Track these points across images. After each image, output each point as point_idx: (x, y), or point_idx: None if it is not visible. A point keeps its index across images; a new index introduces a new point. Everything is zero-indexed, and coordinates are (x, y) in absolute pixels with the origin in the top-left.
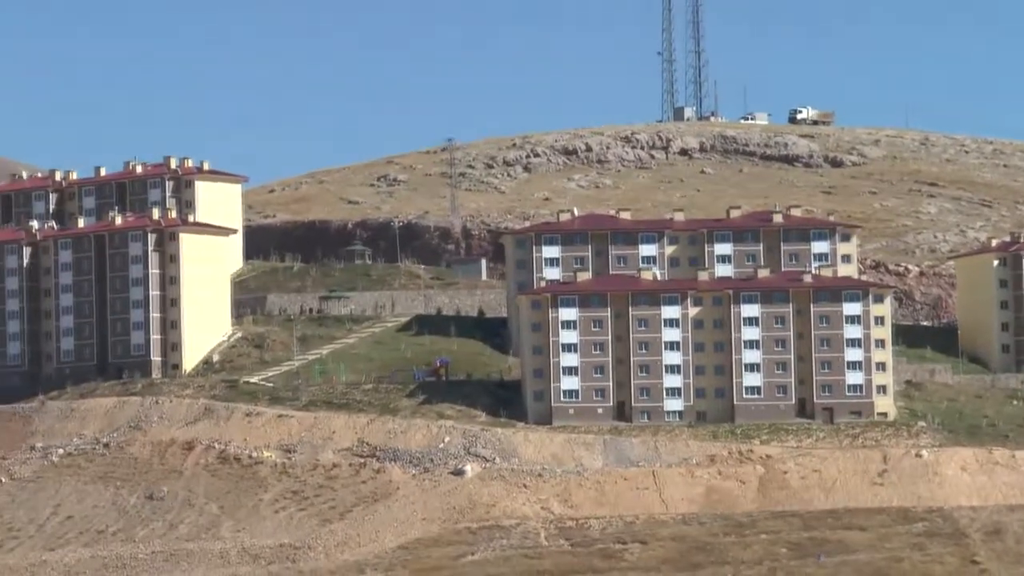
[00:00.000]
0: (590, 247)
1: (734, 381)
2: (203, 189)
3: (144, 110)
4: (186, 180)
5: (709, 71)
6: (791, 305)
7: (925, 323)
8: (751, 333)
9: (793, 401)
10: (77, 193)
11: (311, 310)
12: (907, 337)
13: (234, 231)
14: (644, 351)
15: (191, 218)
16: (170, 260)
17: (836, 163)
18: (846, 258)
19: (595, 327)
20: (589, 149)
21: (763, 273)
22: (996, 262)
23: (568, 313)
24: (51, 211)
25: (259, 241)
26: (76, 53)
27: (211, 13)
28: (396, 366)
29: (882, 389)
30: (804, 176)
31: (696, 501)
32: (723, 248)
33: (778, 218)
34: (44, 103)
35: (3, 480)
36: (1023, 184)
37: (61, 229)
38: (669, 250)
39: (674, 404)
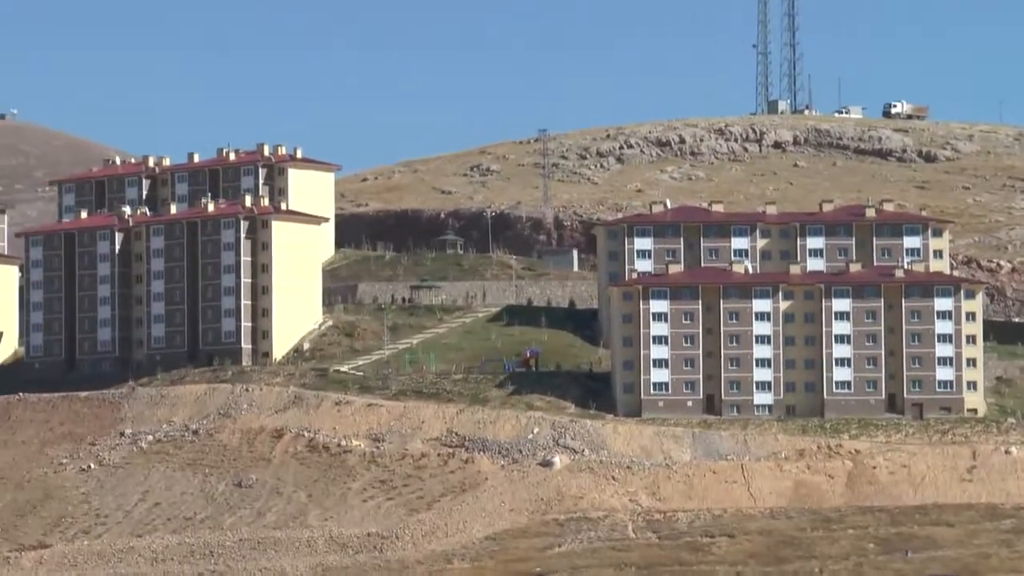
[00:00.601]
0: (682, 239)
1: (824, 375)
2: (296, 177)
3: (238, 97)
4: (279, 168)
5: (804, 64)
6: (882, 300)
7: (1016, 319)
8: (842, 328)
9: (883, 396)
10: (170, 179)
11: (402, 299)
12: (998, 333)
13: (326, 219)
14: (735, 344)
15: (283, 206)
16: (262, 248)
17: (929, 158)
18: (938, 253)
19: (686, 320)
20: (682, 141)
21: (855, 268)
22: None
23: (659, 305)
24: (144, 197)
25: (351, 230)
26: (171, 39)
27: (304, 2)
28: (486, 356)
29: (972, 385)
30: (897, 170)
31: (784, 495)
32: (815, 242)
33: (870, 212)
34: (137, 89)
35: (92, 466)
36: None
37: (153, 215)
38: (761, 243)
39: (764, 398)
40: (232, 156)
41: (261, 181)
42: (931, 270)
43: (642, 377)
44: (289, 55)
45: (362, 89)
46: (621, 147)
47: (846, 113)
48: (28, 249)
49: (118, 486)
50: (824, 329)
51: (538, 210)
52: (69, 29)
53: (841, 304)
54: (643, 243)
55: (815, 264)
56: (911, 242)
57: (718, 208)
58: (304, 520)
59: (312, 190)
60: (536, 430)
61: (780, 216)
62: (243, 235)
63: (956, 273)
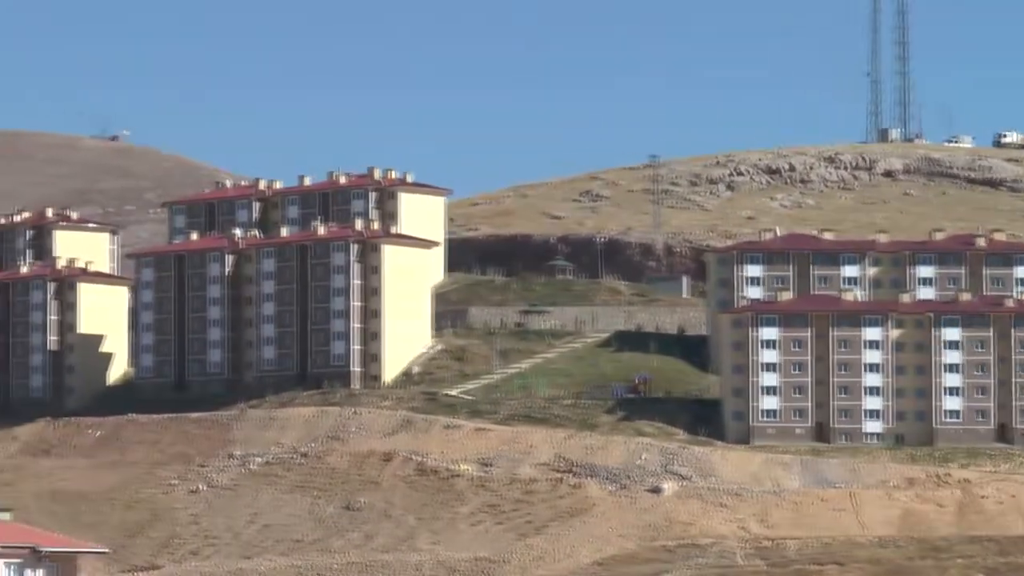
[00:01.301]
0: (792, 267)
1: (934, 404)
2: (407, 201)
3: (349, 121)
4: (390, 192)
5: (915, 93)
6: (992, 329)
7: None
8: (952, 357)
9: (993, 426)
10: (281, 202)
11: (514, 324)
12: None
13: (436, 243)
14: (845, 372)
15: (394, 230)
16: (372, 271)
17: None
18: None
19: (796, 347)
20: (792, 168)
21: (965, 296)
22: None
23: (769, 332)
24: (255, 220)
25: (461, 254)
26: (283, 65)
27: (417, 26)
28: (595, 382)
29: None
30: (1008, 200)
31: (893, 524)
32: (926, 271)
33: (981, 242)
34: (249, 112)
35: (201, 488)
36: None
37: (265, 238)
38: (871, 271)
39: (873, 426)
40: (343, 180)
41: (372, 205)
42: None
43: (751, 404)
44: (400, 81)
45: (473, 114)
46: (731, 174)
47: (956, 142)
48: (139, 270)
49: (227, 508)
50: (934, 358)
51: (648, 236)
52: (181, 52)
53: (951, 333)
54: (753, 270)
55: (925, 293)
56: (1022, 272)
57: (828, 236)
58: (413, 543)
59: (423, 214)
60: (645, 456)
61: (890, 244)
62: (354, 258)
63: None
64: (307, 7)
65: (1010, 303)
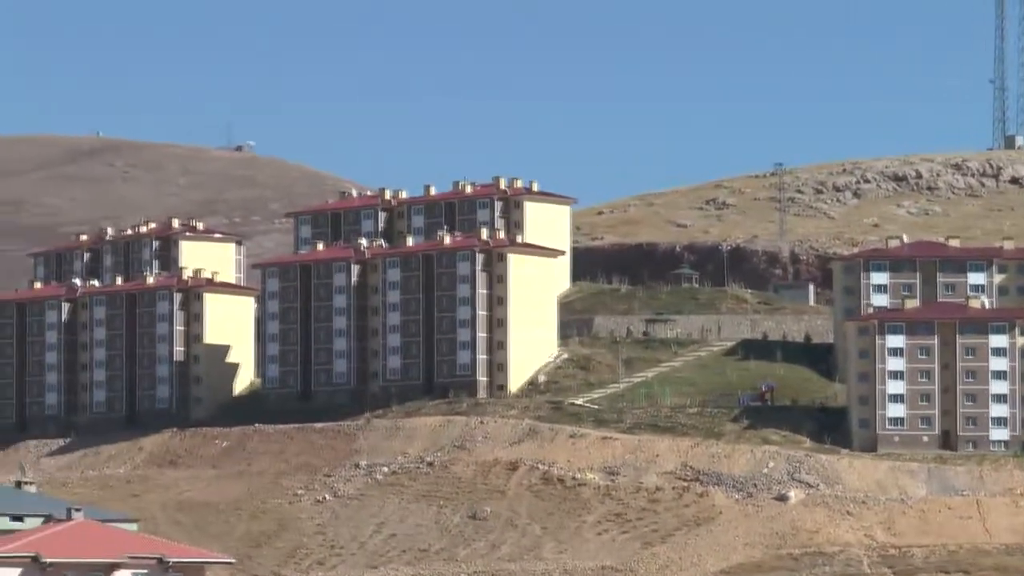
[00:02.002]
0: (918, 274)
1: None
2: (532, 210)
3: (474, 131)
4: (515, 201)
5: None
6: None
7: None
8: None
9: None
10: (406, 212)
11: (639, 332)
12: None
13: (562, 252)
14: (971, 380)
15: (519, 239)
16: (497, 280)
17: None
18: None
19: (922, 355)
20: (919, 176)
21: None
22: None
23: (895, 340)
24: (380, 229)
25: (587, 263)
26: (406, 77)
27: (543, 36)
28: (721, 390)
29: None
30: None
31: (1020, 531)
32: None
33: None
34: (374, 122)
35: (327, 497)
36: None
37: (390, 247)
38: (998, 279)
39: (1000, 433)
40: (468, 189)
41: (497, 214)
42: None
43: (877, 412)
44: (526, 90)
45: (599, 123)
46: (857, 182)
47: None
48: (264, 280)
49: (353, 517)
50: None
51: (774, 244)
52: (306, 64)
53: None
54: (879, 278)
55: None
56: None
57: (955, 243)
58: (539, 553)
59: (548, 223)
60: (771, 464)
61: (1017, 251)
62: (479, 268)
63: None
64: (432, 17)
65: None
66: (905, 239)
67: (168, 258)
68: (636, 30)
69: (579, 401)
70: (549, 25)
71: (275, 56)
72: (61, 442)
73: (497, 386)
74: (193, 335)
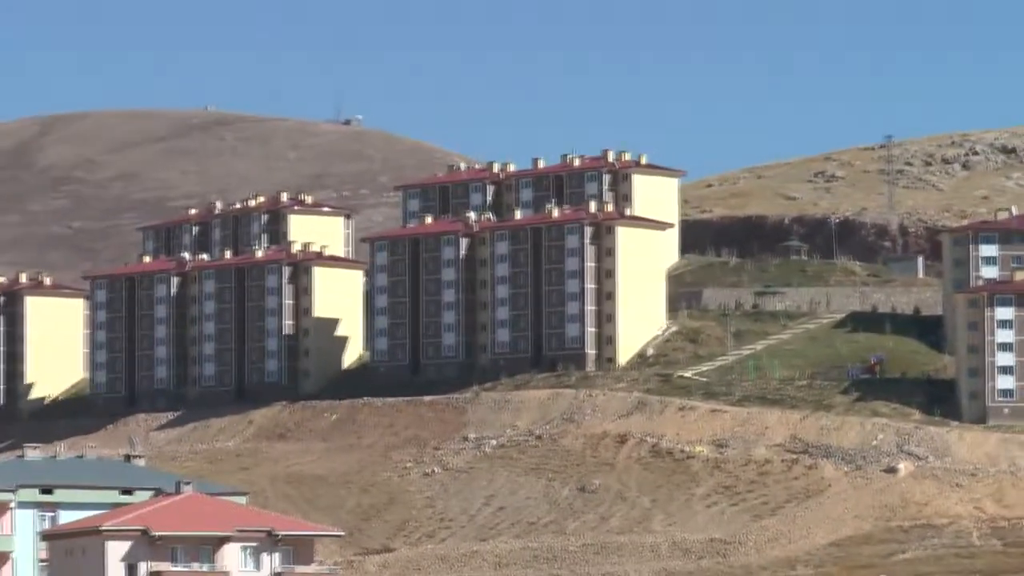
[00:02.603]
0: None
1: None
2: (640, 183)
3: (582, 103)
4: (623, 174)
5: None
6: None
7: None
8: None
9: None
10: (515, 185)
11: (748, 305)
12: None
13: (671, 225)
14: None
15: (628, 212)
16: (606, 253)
17: None
18: None
19: None
20: None
21: None
22: None
23: (1005, 312)
24: (488, 203)
25: (695, 236)
26: (515, 47)
27: (648, 9)
28: (830, 363)
29: None
30: None
31: None
32: None
33: None
34: (482, 95)
35: (436, 470)
36: None
37: (498, 221)
38: None
39: None
40: (577, 162)
41: (606, 187)
42: None
43: (987, 384)
44: (634, 63)
45: (707, 95)
46: (967, 154)
47: None
48: (373, 254)
49: (462, 490)
50: None
51: (883, 217)
52: (412, 38)
53: None
54: (988, 250)
55: None
56: None
57: None
58: (647, 525)
59: (656, 196)
60: (880, 436)
61: None
62: (588, 241)
63: None
64: None
65: None
66: (1014, 211)
67: (277, 232)
68: (742, 5)
69: (688, 374)
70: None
71: (383, 29)
72: (171, 416)
73: (606, 359)
74: (302, 309)
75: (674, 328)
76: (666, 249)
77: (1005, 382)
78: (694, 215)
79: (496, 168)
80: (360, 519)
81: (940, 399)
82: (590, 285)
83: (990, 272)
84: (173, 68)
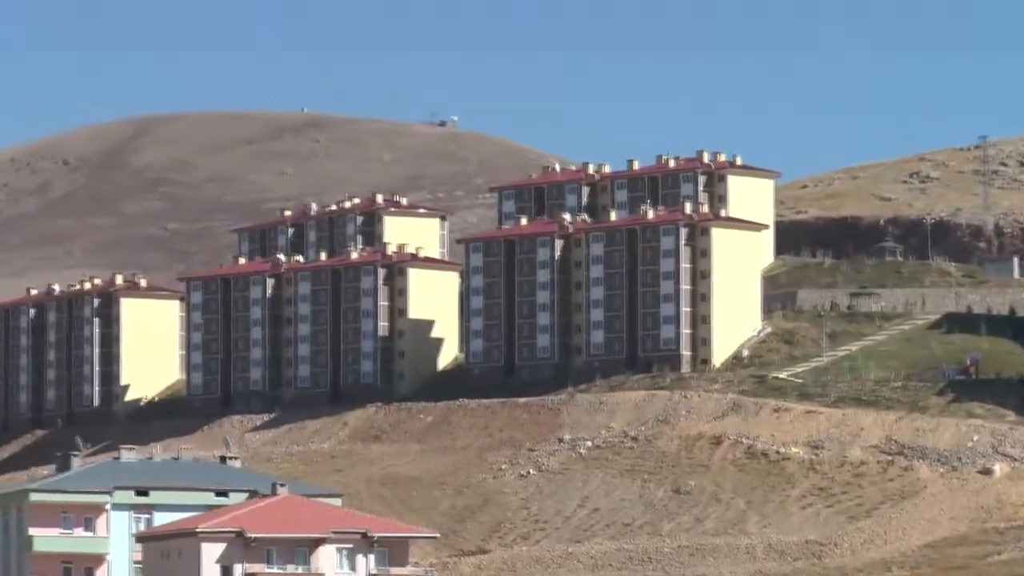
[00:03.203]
0: None
1: None
2: (735, 184)
3: (677, 104)
4: (718, 175)
5: None
6: None
7: None
8: None
9: None
10: (610, 186)
11: (843, 306)
12: None
13: (766, 226)
14: None
15: (723, 213)
16: (701, 255)
17: None
18: None
19: None
20: None
21: None
22: None
23: None
24: (583, 204)
25: (790, 237)
26: (609, 48)
27: (744, 8)
28: (925, 364)
29: None
30: None
31: None
32: None
33: None
34: (576, 97)
35: (531, 472)
36: None
37: (593, 222)
38: None
39: None
40: (671, 163)
41: (701, 188)
42: None
43: None
44: (729, 63)
45: (802, 96)
46: None
47: None
48: (468, 255)
49: (557, 492)
50: None
51: (978, 217)
52: (510, 36)
53: None
54: None
55: None
56: None
57: None
58: (743, 527)
59: (751, 197)
60: (976, 438)
61: None
62: (683, 242)
63: None
64: None
65: None
66: None
67: (372, 233)
68: (835, 5)
69: (783, 375)
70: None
71: (477, 31)
72: (266, 417)
73: (700, 360)
74: (397, 310)
75: (769, 329)
76: (761, 250)
77: None
78: (789, 216)
79: (591, 169)
80: (455, 521)
81: None
82: (685, 286)
83: None
84: (268, 69)
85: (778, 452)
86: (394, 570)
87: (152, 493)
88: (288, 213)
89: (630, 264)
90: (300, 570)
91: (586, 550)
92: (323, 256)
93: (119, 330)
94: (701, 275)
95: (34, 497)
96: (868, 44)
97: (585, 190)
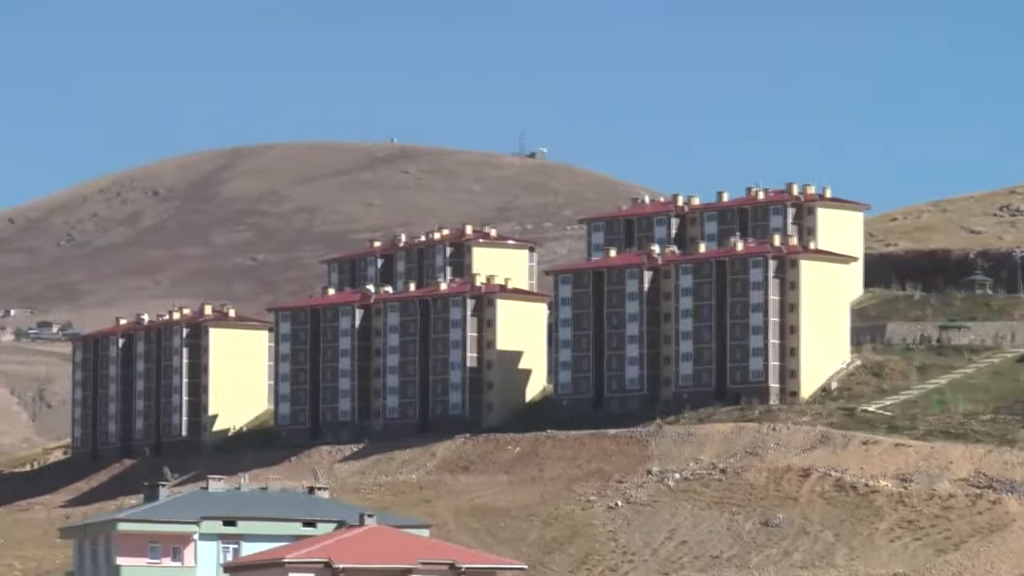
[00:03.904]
0: None
1: None
2: (824, 216)
3: (768, 136)
4: (808, 207)
5: None
6: None
7: None
8: None
9: None
10: (699, 218)
11: (932, 339)
12: None
13: (855, 259)
14: None
15: (812, 245)
16: (790, 287)
17: None
18: None
19: None
20: None
21: None
22: None
23: None
24: (672, 236)
25: (879, 269)
26: (695, 84)
27: (826, 45)
28: (1015, 397)
29: None
30: None
31: None
32: None
33: None
34: (665, 129)
35: (619, 503)
36: None
37: (683, 254)
38: None
39: None
40: (761, 195)
41: (790, 220)
42: None
43: None
44: (819, 98)
45: (892, 129)
46: None
47: None
48: (557, 287)
49: (645, 524)
50: None
51: None
52: (596, 72)
53: None
54: None
55: None
56: None
57: None
58: (831, 560)
59: (841, 230)
60: None
61: None
62: (771, 274)
63: None
64: (724, 28)
65: None
66: None
67: (461, 264)
68: (927, 38)
69: (872, 408)
70: (840, 33)
71: (568, 63)
72: (354, 448)
73: (789, 392)
74: (486, 341)
75: (857, 362)
76: (850, 282)
77: None
78: (878, 248)
79: (680, 201)
80: (543, 552)
81: None
82: (773, 318)
83: None
84: (359, 101)
85: (867, 485)
86: None
87: (240, 523)
88: (377, 244)
89: (719, 296)
90: None
91: None
92: (412, 287)
93: (207, 360)
94: (790, 307)
95: (122, 527)
96: (959, 80)
97: (674, 222)
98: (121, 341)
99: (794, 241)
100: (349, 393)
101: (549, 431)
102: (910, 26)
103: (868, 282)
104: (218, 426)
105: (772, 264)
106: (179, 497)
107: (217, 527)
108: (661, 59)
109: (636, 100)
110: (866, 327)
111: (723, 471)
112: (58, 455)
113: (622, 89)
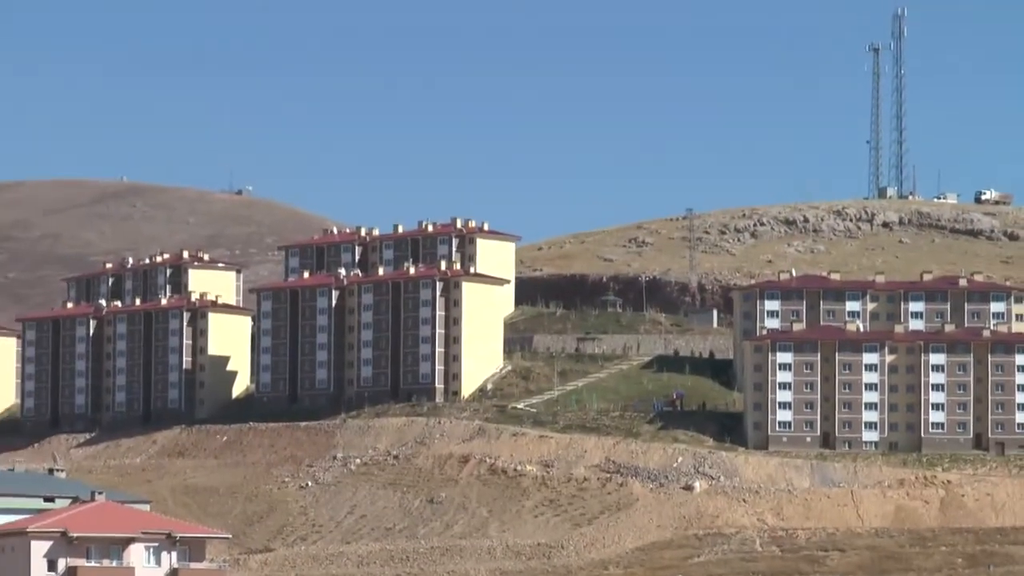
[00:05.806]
0: (804, 302)
1: (922, 418)
2: (483, 246)
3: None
4: (469, 238)
5: (909, 157)
6: (972, 355)
7: None
8: (937, 378)
9: (971, 435)
10: (378, 246)
11: (571, 349)
12: None
13: (507, 281)
14: (847, 391)
15: (472, 270)
16: (454, 304)
17: (1013, 237)
18: (1020, 317)
19: (807, 369)
20: (806, 220)
21: (949, 328)
22: None
23: (784, 357)
24: (356, 261)
25: (528, 290)
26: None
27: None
28: (639, 397)
29: None
30: (986, 247)
31: (887, 517)
32: (916, 306)
33: (963, 282)
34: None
35: (309, 484)
36: None
37: (364, 276)
38: (871, 306)
39: (871, 435)
40: (430, 228)
41: (454, 249)
42: (1013, 331)
43: (769, 417)
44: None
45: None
46: (755, 225)
47: (943, 198)
48: (259, 303)
49: (331, 501)
50: (923, 379)
51: (685, 276)
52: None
53: (937, 358)
54: (772, 305)
55: (916, 324)
56: (997, 307)
57: (835, 276)
58: (485, 531)
59: (496, 257)
60: (680, 459)
61: (887, 284)
62: (438, 294)
63: None
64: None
65: (986, 334)
66: (794, 273)
67: (179, 283)
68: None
69: (520, 405)
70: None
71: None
72: (88, 436)
73: (452, 392)
74: (199, 348)
75: (509, 367)
76: (503, 301)
77: (784, 415)
78: (527, 273)
79: (363, 232)
80: (245, 524)
81: (730, 429)
82: (440, 331)
83: (773, 323)
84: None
85: (516, 469)
86: (193, 565)
87: None
88: (109, 265)
89: (394, 311)
90: (114, 564)
91: (354, 550)
92: (138, 302)
93: None
94: (454, 321)
95: None
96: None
97: (358, 249)
98: None
99: (457, 266)
100: (84, 390)
101: (252, 423)
102: (544, 75)
103: (519, 301)
104: None
105: (439, 285)
106: None
107: None
108: (342, 109)
109: (329, 142)
110: (516, 338)
111: (396, 457)
112: None
113: (318, 133)
